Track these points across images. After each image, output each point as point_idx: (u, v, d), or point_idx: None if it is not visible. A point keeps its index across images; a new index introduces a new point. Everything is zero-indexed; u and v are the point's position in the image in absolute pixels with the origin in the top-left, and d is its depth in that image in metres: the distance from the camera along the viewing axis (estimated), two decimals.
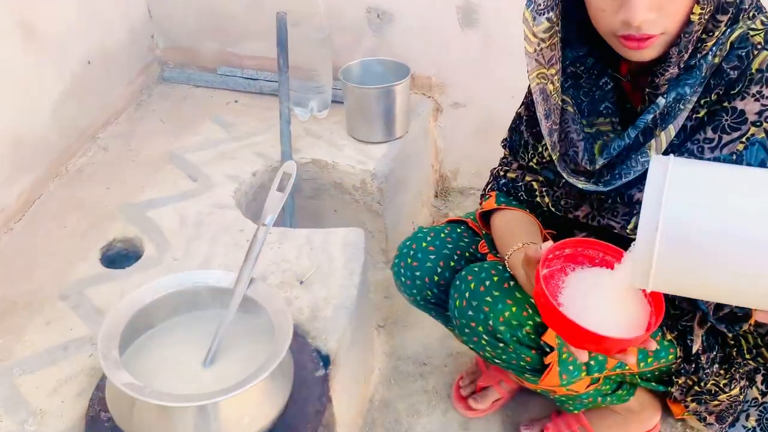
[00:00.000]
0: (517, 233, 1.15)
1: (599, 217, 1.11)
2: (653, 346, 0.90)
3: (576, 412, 1.36)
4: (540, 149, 1.16)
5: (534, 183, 1.19)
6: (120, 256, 1.47)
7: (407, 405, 1.50)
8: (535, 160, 1.18)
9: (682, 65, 0.94)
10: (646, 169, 1.00)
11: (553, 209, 1.17)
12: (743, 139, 0.95)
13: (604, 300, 0.89)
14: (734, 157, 0.96)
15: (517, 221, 1.19)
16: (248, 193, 1.67)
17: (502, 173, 1.26)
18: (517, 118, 1.24)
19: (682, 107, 0.96)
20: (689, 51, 0.93)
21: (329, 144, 1.79)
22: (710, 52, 0.93)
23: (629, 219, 1.07)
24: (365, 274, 1.41)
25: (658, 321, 0.87)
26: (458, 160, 2.13)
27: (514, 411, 1.49)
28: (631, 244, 0.87)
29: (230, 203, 1.56)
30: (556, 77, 1.03)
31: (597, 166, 1.02)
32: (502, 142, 1.28)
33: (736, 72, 0.94)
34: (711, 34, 0.93)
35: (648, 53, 0.94)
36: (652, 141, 0.99)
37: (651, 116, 0.97)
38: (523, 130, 1.20)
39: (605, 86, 1.05)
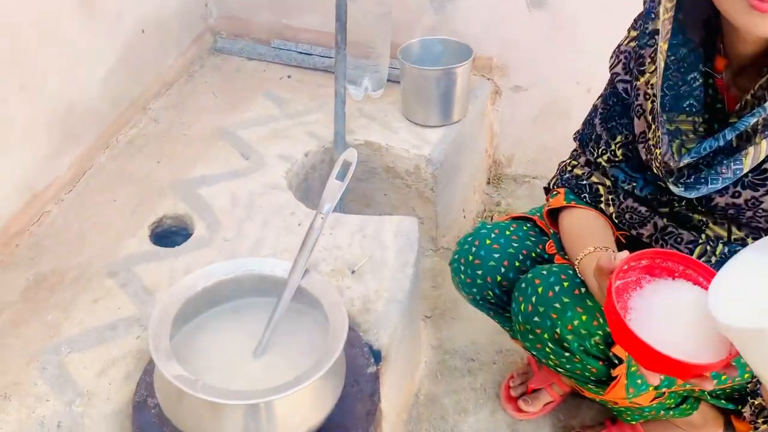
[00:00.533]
0: (588, 235, 1.08)
1: (662, 240, 1.04)
2: (734, 372, 0.82)
3: (633, 423, 1.30)
4: (613, 147, 1.08)
5: (600, 188, 1.11)
6: (169, 233, 1.44)
7: (454, 402, 1.46)
8: (605, 157, 1.10)
9: None
10: (736, 178, 0.93)
11: (616, 221, 1.10)
12: None
13: (682, 318, 0.82)
14: None
15: (587, 221, 1.11)
16: (299, 174, 1.62)
17: (569, 168, 1.18)
18: (593, 110, 1.15)
19: None
20: None
21: (383, 126, 1.72)
22: None
23: (693, 248, 1.01)
24: (418, 265, 1.36)
25: None
26: (514, 146, 2.05)
27: (565, 415, 1.43)
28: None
29: (282, 184, 1.52)
30: (661, 56, 0.94)
31: (681, 164, 0.94)
32: (575, 134, 1.20)
33: None
34: None
35: None
36: (750, 148, 0.90)
37: (755, 120, 0.87)
38: (596, 124, 1.12)
39: (693, 82, 0.96)
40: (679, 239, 1.02)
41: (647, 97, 0.97)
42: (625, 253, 0.88)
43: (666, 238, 1.04)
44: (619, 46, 1.08)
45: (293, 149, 1.63)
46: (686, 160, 0.93)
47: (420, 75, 1.64)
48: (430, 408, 1.44)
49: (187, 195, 1.48)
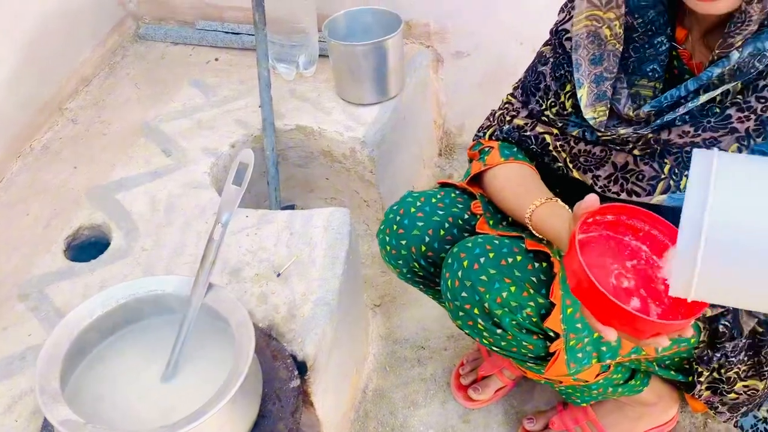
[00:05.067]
0: (531, 188, 1.04)
1: (622, 180, 0.98)
2: (690, 333, 0.79)
3: (584, 404, 1.24)
4: (562, 98, 1.02)
5: (547, 137, 1.05)
6: (87, 245, 1.36)
7: (403, 395, 1.40)
8: (554, 110, 1.04)
9: (766, 23, 0.81)
10: (699, 111, 0.89)
11: (570, 165, 1.03)
12: None
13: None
14: None
15: (525, 174, 1.07)
16: (226, 168, 1.53)
17: (507, 118, 1.10)
18: (539, 57, 1.08)
19: (757, 64, 0.82)
20: None
21: (316, 107, 1.62)
22: None
23: (655, 185, 0.95)
24: (350, 261, 1.28)
25: (703, 306, 0.75)
26: (463, 114, 1.95)
27: (518, 400, 1.38)
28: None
29: (205, 182, 1.43)
30: (615, 23, 0.93)
31: (642, 114, 0.91)
32: (516, 83, 1.13)
33: None
34: None
35: (720, 5, 0.81)
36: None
37: (719, 71, 0.84)
38: (544, 72, 1.05)
39: (659, 46, 0.92)
40: (640, 176, 0.97)
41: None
42: (595, 199, 0.83)
43: (627, 176, 0.98)
44: (566, 2, 1.03)
45: (219, 141, 1.53)
46: (648, 110, 0.91)
47: (346, 51, 1.53)
48: (378, 404, 1.39)
49: (105, 202, 1.39)
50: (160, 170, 1.46)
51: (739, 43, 0.83)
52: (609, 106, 0.95)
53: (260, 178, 1.63)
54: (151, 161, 1.49)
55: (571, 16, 1.00)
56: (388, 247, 1.15)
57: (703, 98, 0.87)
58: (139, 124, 1.59)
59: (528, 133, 1.07)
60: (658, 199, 0.94)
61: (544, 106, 1.05)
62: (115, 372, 1.00)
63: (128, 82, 1.75)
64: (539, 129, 1.07)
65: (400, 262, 1.14)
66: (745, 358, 1.08)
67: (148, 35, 1.89)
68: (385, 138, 1.59)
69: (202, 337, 1.01)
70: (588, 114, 0.95)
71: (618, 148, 0.98)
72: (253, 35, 1.81)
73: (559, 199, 1.00)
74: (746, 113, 0.87)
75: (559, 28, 1.02)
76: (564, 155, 1.04)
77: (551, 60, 1.04)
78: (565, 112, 1.02)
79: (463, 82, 1.87)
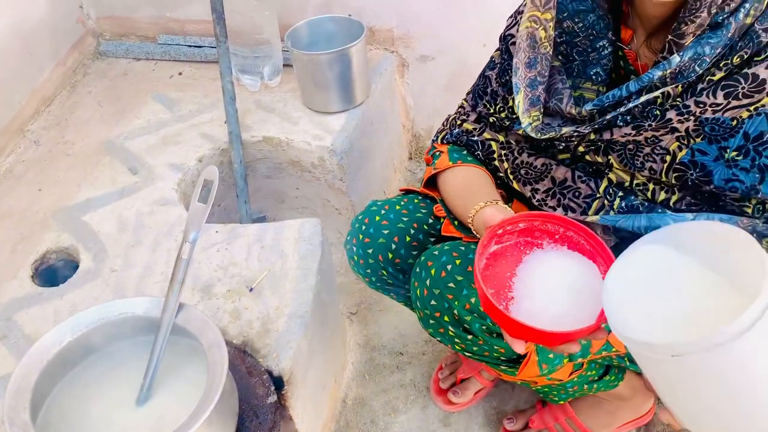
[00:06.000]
0: (476, 191, 1.04)
1: (559, 195, 0.99)
2: (602, 335, 0.78)
3: (562, 402, 1.25)
4: (510, 102, 1.03)
5: (493, 143, 1.06)
6: (55, 269, 1.34)
7: (383, 402, 1.40)
8: (503, 114, 1.04)
9: (713, 10, 0.80)
10: (640, 113, 0.89)
11: (511, 176, 1.05)
12: (751, 108, 0.82)
13: (553, 285, 0.79)
14: (734, 122, 0.84)
15: (473, 177, 1.07)
16: (194, 183, 1.51)
17: (458, 122, 1.12)
18: (489, 62, 1.10)
19: (697, 68, 0.83)
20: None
21: (282, 118, 1.61)
22: (742, 9, 0.80)
23: (590, 203, 0.96)
24: (323, 271, 1.28)
25: None
26: (431, 117, 1.96)
27: (498, 401, 1.39)
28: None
29: (173, 198, 1.41)
30: (550, 24, 0.92)
31: (584, 111, 0.91)
32: (470, 89, 1.14)
33: None
34: None
35: None
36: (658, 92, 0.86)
37: (659, 73, 0.84)
38: (491, 77, 1.06)
39: (602, 50, 0.93)
40: (576, 193, 0.98)
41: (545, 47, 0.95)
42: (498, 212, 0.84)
43: (564, 192, 0.99)
44: (518, 8, 1.04)
45: (185, 156, 1.52)
46: (590, 107, 0.91)
47: (310, 60, 1.53)
48: (359, 413, 1.39)
49: (72, 224, 1.37)
50: (127, 188, 1.44)
51: (692, 33, 0.82)
52: (542, 110, 0.95)
53: (230, 191, 1.62)
54: (118, 180, 1.47)
55: (518, 22, 1.01)
56: (356, 257, 1.15)
57: (644, 98, 0.87)
58: (104, 143, 1.57)
59: (475, 138, 1.08)
60: (592, 218, 0.95)
61: (491, 110, 1.06)
62: (89, 397, 0.98)
63: (91, 101, 1.72)
64: (486, 135, 1.08)
65: (369, 271, 1.15)
66: None
67: (109, 52, 1.86)
68: (354, 145, 1.58)
69: (176, 357, 0.99)
70: (525, 121, 0.96)
71: (562, 146, 0.98)
72: (216, 48, 1.80)
73: (501, 202, 1.00)
74: (685, 116, 0.87)
75: (506, 34, 1.03)
76: (506, 165, 1.05)
77: (498, 65, 1.05)
78: (514, 116, 1.03)
79: (429, 86, 1.88)
